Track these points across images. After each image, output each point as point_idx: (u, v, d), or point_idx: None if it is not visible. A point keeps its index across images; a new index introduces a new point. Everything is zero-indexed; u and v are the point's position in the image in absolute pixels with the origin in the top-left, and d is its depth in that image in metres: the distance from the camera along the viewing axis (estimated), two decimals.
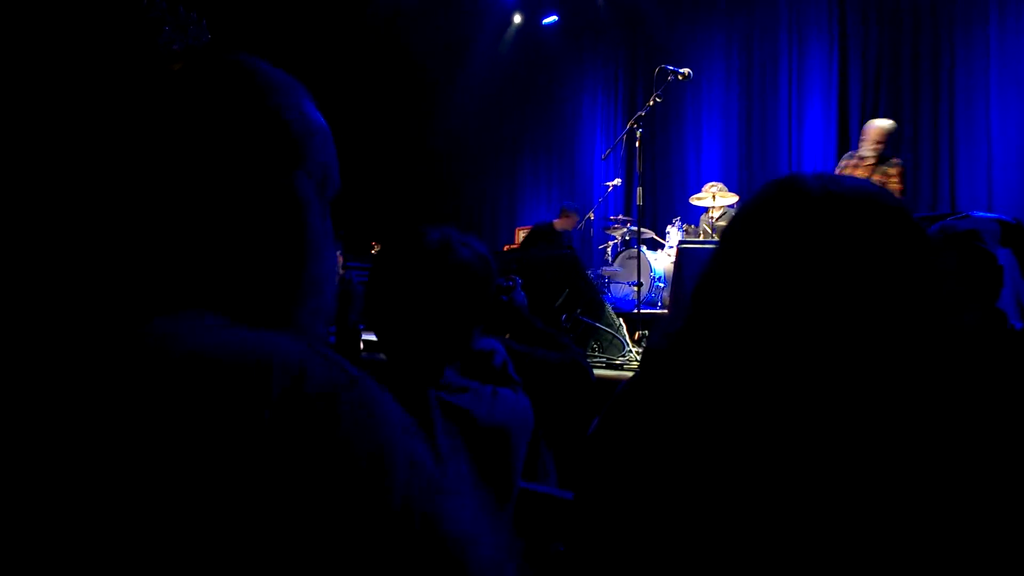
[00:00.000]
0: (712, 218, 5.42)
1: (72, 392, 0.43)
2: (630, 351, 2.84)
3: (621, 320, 3.01)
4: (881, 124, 4.21)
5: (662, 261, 5.17)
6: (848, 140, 6.18)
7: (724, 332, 0.74)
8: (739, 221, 0.78)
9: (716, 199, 5.35)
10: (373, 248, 6.31)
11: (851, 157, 4.30)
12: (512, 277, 1.82)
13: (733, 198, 5.40)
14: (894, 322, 0.66)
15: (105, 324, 0.47)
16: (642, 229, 4.32)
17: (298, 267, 0.54)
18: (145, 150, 0.49)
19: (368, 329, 1.78)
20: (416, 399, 1.02)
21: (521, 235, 7.43)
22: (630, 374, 2.58)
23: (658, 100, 3.68)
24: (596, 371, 2.52)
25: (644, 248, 4.70)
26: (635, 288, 3.69)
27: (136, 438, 0.41)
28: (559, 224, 5.92)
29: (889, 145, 4.19)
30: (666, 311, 4.35)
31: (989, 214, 1.27)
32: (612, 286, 5.13)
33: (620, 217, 6.21)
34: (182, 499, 0.40)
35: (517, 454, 1.08)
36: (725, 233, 0.79)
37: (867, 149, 4.17)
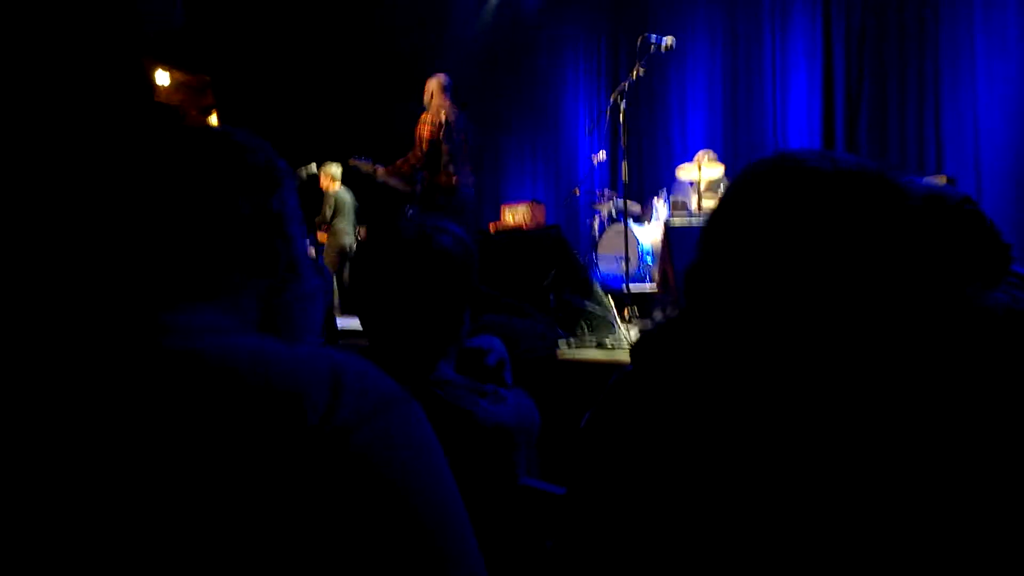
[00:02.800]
0: (699, 189, 5.37)
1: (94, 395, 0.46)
2: (620, 330, 2.80)
3: (610, 298, 2.97)
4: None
5: (649, 235, 5.13)
6: (833, 109, 6.13)
7: (720, 320, 0.70)
8: (730, 203, 0.73)
9: (703, 170, 5.30)
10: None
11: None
12: None
13: (720, 168, 5.35)
14: (908, 305, 0.62)
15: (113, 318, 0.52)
16: (628, 202, 4.27)
17: (277, 258, 0.65)
18: (152, 183, 0.60)
19: (351, 316, 1.80)
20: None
21: (507, 213, 7.35)
22: (621, 356, 2.55)
23: (641, 72, 3.60)
24: (587, 353, 2.49)
25: (631, 222, 4.65)
26: (623, 263, 3.65)
27: (163, 452, 0.44)
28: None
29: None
30: (655, 288, 4.32)
31: (936, 184, 1.24)
32: (600, 262, 5.09)
33: (606, 192, 6.15)
34: (197, 527, 0.43)
35: (519, 457, 1.07)
36: (716, 214, 0.75)
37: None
